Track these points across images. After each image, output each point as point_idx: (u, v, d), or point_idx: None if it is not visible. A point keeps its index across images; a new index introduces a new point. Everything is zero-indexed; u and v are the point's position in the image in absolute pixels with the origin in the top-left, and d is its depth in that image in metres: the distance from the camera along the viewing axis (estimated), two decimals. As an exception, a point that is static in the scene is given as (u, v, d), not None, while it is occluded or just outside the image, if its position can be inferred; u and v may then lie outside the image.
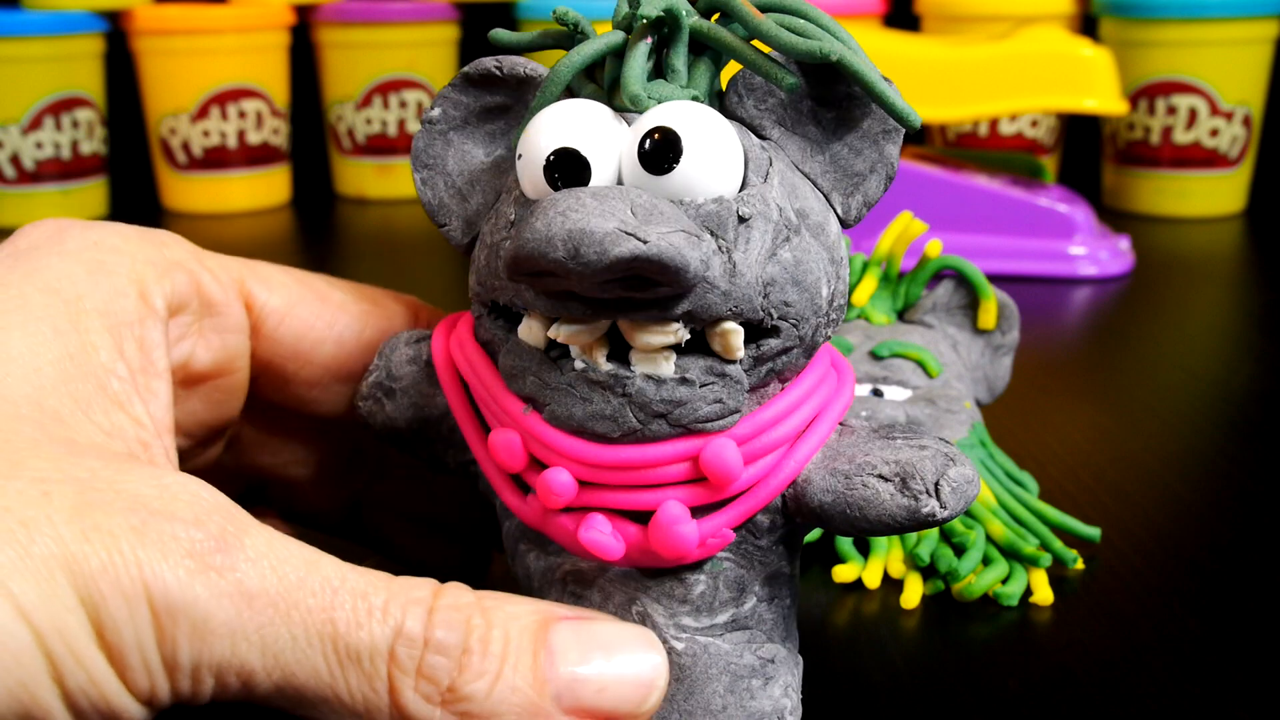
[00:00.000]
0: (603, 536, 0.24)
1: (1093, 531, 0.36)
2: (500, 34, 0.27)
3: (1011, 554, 0.35)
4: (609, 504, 0.25)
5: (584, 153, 0.24)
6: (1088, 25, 0.89)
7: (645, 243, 0.22)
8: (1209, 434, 0.47)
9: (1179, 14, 0.80)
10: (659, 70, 0.25)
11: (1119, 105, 0.69)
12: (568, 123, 0.24)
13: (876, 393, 0.37)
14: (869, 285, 0.39)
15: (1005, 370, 0.39)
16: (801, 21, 0.25)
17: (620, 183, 0.24)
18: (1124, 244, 0.71)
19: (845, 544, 0.36)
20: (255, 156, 0.90)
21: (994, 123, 0.88)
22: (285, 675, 0.21)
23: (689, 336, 0.24)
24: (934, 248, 0.38)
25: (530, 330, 0.25)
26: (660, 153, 0.23)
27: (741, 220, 0.24)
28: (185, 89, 0.87)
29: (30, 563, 0.19)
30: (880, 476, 0.24)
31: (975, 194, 0.69)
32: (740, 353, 0.24)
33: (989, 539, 0.35)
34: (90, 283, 0.25)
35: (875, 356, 0.37)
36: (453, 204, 0.28)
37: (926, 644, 0.32)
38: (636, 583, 0.25)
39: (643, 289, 0.23)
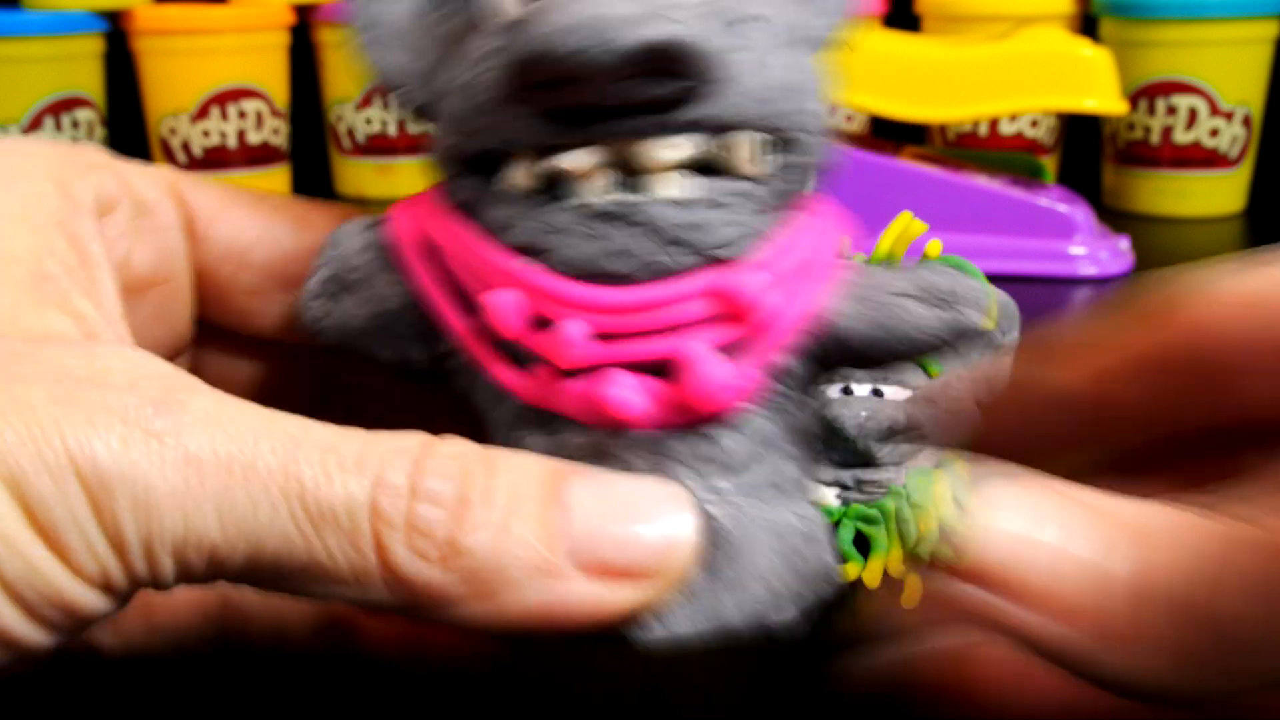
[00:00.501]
0: (626, 392, 0.22)
1: (1093, 531, 0.36)
2: None
3: (1011, 554, 0.35)
4: (627, 358, 0.22)
5: None
6: (1088, 25, 0.89)
7: (676, 23, 0.20)
8: (1209, 434, 0.47)
9: (1179, 14, 0.80)
10: None
11: (1119, 105, 0.69)
12: None
13: (876, 393, 0.37)
14: (869, 285, 0.39)
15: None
16: None
17: None
18: (1124, 244, 0.71)
19: (845, 544, 0.36)
20: (255, 156, 0.90)
21: (994, 123, 0.88)
22: (253, 547, 0.19)
23: (705, 149, 0.22)
24: (934, 248, 0.38)
25: (518, 173, 0.23)
26: None
27: (746, 20, 0.22)
28: (185, 89, 0.87)
29: None
30: (913, 297, 0.24)
31: (975, 194, 0.69)
32: (758, 165, 0.23)
33: (989, 539, 0.35)
34: (6, 190, 0.23)
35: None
36: (404, 61, 0.25)
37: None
38: (660, 447, 0.23)
39: (665, 85, 0.21)
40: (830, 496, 0.36)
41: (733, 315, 0.23)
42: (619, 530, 0.20)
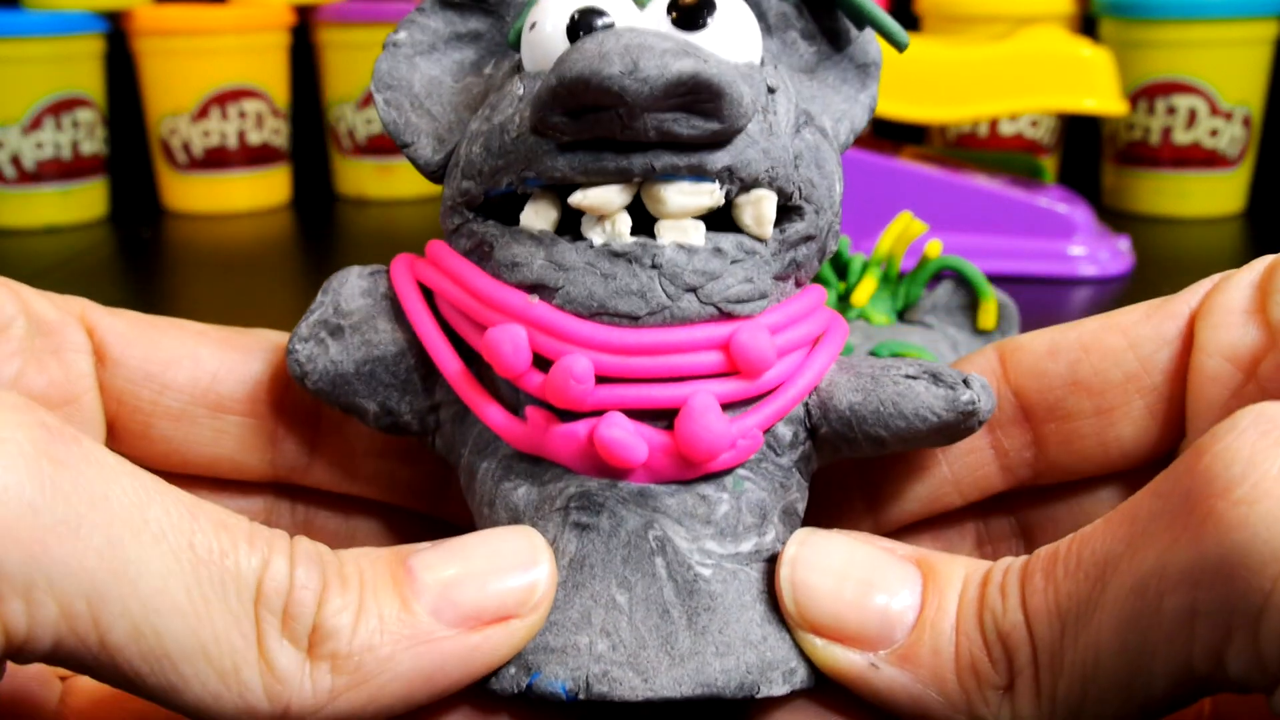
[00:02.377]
0: (626, 435, 0.22)
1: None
2: None
3: (1011, 554, 0.35)
4: (630, 403, 0.23)
5: (609, 11, 0.23)
6: (1088, 25, 0.89)
7: (706, 62, 0.21)
8: (1209, 434, 0.47)
9: (1179, 14, 0.80)
10: None
11: (1119, 105, 0.69)
12: None
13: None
14: (869, 285, 0.39)
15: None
16: None
17: None
18: (1124, 244, 0.71)
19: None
20: (255, 156, 0.90)
21: (994, 123, 0.88)
22: (145, 610, 0.18)
23: (723, 202, 0.23)
24: (934, 248, 0.38)
25: (538, 211, 0.23)
26: (695, 11, 0.23)
27: (770, 90, 0.23)
28: (185, 89, 0.87)
29: None
30: (908, 375, 0.24)
31: (975, 194, 0.69)
32: (770, 227, 0.23)
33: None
34: None
35: (875, 356, 0.37)
36: (420, 122, 0.25)
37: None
38: (654, 502, 0.23)
39: (689, 121, 0.22)
40: None
41: (741, 371, 0.23)
42: (474, 578, 0.21)
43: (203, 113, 0.87)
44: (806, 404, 0.24)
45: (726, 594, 0.23)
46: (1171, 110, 0.83)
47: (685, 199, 0.22)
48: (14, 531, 0.17)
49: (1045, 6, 0.87)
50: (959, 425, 0.24)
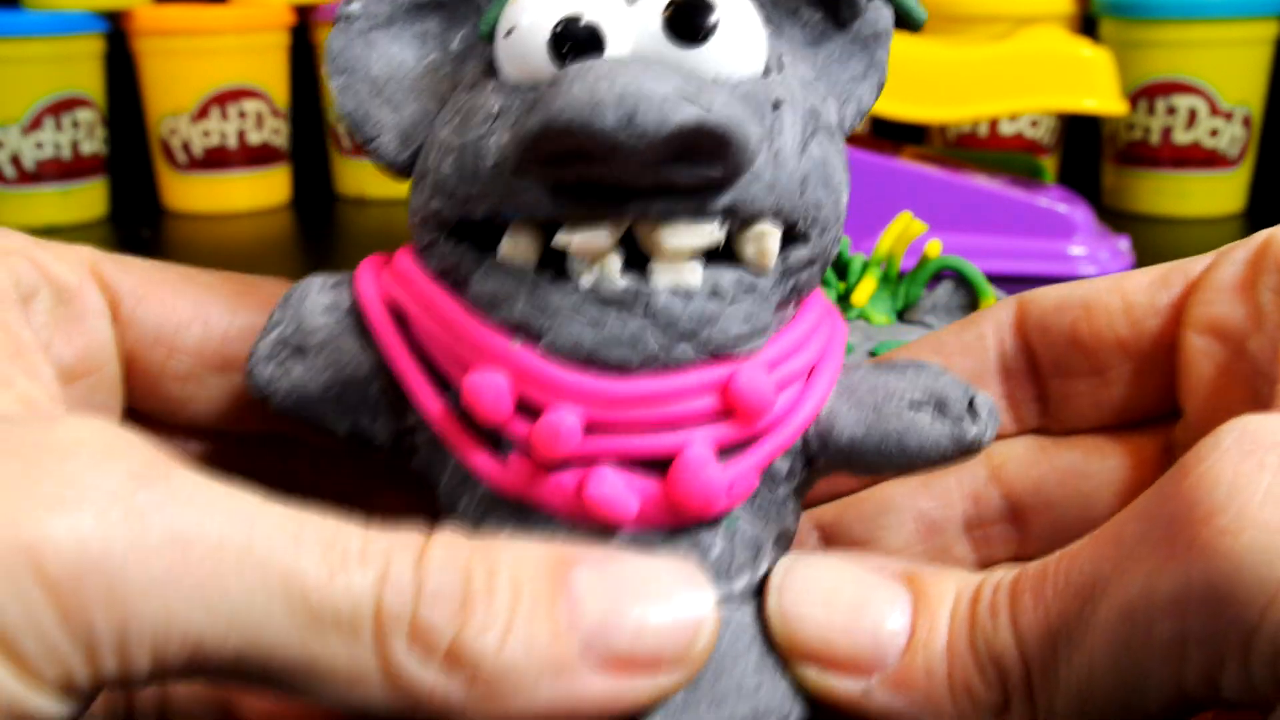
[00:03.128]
0: (615, 491, 0.21)
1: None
2: None
3: (1011, 554, 0.35)
4: (619, 452, 0.21)
5: (598, 23, 0.21)
6: (1088, 25, 0.89)
7: (709, 110, 0.19)
8: (1209, 434, 0.47)
9: (1179, 14, 0.80)
10: None
11: (1119, 105, 0.69)
12: None
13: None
14: (869, 285, 0.39)
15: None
16: None
17: None
18: (1124, 244, 0.71)
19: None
20: (255, 156, 0.90)
21: (994, 123, 0.88)
22: (246, 641, 0.17)
23: (723, 240, 0.21)
24: (934, 248, 0.39)
25: (518, 245, 0.21)
26: (693, 18, 0.21)
27: (775, 106, 0.21)
28: (185, 89, 0.87)
29: None
30: (912, 403, 0.23)
31: (975, 194, 0.69)
32: (773, 259, 0.21)
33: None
34: None
35: (875, 356, 0.37)
36: (381, 113, 0.23)
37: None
38: (646, 550, 0.22)
39: (690, 170, 0.20)
40: None
41: (737, 414, 0.21)
42: (634, 620, 0.19)
43: (203, 113, 0.87)
44: (806, 436, 0.23)
45: (720, 644, 0.22)
46: (1171, 110, 0.83)
47: (682, 240, 0.21)
48: (102, 595, 0.16)
49: (1045, 6, 0.87)
50: (965, 455, 0.23)
